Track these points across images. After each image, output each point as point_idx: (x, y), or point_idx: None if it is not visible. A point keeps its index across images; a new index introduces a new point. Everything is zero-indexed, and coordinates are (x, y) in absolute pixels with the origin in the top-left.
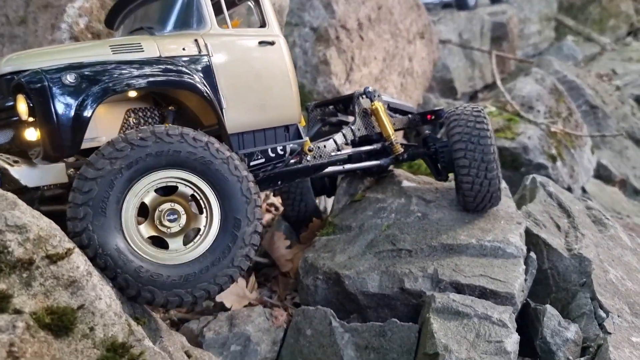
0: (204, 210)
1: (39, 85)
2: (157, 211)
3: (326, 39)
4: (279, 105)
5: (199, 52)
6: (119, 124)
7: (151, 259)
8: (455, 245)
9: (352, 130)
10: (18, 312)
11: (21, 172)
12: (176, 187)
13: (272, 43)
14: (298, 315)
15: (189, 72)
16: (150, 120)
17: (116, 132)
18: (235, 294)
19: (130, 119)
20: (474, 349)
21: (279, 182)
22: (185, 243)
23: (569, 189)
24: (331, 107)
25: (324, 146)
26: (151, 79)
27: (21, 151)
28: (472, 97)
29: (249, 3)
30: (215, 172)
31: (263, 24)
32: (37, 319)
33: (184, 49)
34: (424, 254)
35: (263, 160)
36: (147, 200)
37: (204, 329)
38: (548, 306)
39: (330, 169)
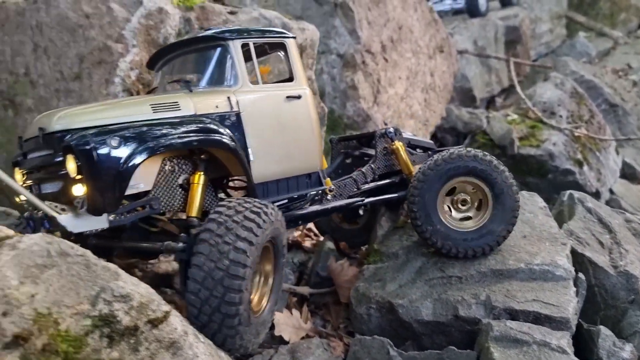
0: None
1: (86, 148)
2: None
3: (353, 64)
4: (303, 156)
5: (231, 109)
6: (156, 171)
7: None
8: (505, 270)
9: (372, 168)
10: None
11: (67, 220)
12: None
13: (298, 97)
14: (355, 345)
15: (220, 129)
16: (184, 167)
17: (153, 178)
18: (292, 326)
19: (166, 167)
20: None
21: (300, 222)
22: None
23: (597, 193)
24: (354, 141)
25: (344, 185)
26: (186, 139)
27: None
28: (490, 101)
29: (279, 54)
30: None
31: (291, 78)
32: None
33: (217, 107)
34: (474, 280)
35: (286, 201)
36: None
37: None
38: (602, 327)
39: (352, 201)
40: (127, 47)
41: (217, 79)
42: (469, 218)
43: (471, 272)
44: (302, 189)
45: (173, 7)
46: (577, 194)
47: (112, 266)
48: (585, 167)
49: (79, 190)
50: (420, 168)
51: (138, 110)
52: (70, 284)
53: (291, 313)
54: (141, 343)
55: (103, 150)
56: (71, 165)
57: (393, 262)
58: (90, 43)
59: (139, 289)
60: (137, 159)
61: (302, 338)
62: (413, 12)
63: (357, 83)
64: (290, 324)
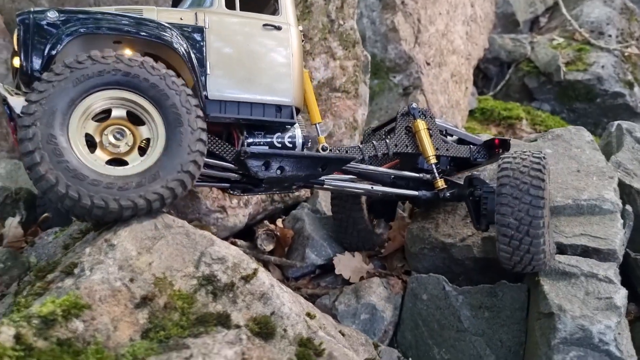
0: (147, 122)
1: (24, 17)
2: (103, 136)
3: (392, 5)
4: (270, 84)
5: (195, 24)
6: None
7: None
8: (553, 207)
9: (386, 144)
10: (238, 326)
11: (16, 102)
12: (110, 110)
13: (278, 28)
14: (412, 282)
15: (172, 32)
16: None
17: None
18: (353, 268)
19: None
20: (586, 307)
21: (286, 170)
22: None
23: None
24: (387, 128)
25: (346, 152)
26: (126, 28)
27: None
28: (534, 22)
29: None
30: (153, 86)
31: (275, 12)
32: (250, 329)
33: (180, 19)
34: None
35: (267, 147)
36: (90, 131)
37: (335, 302)
38: None
39: (358, 185)
40: None
41: (198, 2)
42: None
43: None
44: (268, 116)
45: None
46: (625, 125)
47: (207, 234)
48: (637, 88)
49: (16, 62)
50: (517, 157)
51: (105, 10)
52: (176, 251)
53: (353, 255)
54: (238, 296)
55: (39, 20)
56: (14, 38)
57: (444, 204)
58: None
59: (231, 252)
60: (70, 34)
61: (363, 278)
62: None
63: (397, 25)
64: (350, 265)
